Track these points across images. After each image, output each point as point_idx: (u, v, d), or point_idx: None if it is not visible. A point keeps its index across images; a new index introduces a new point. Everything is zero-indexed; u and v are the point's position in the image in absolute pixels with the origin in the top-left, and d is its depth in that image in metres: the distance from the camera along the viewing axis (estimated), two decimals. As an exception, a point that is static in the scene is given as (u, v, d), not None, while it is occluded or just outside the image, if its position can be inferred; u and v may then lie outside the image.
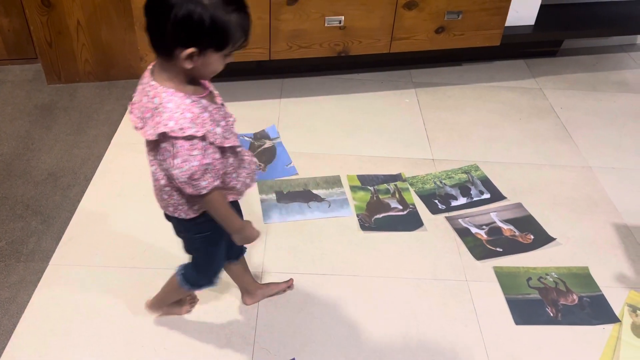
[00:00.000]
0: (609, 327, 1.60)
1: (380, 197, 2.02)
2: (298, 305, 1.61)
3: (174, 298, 1.52)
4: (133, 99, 1.12)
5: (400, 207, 1.98)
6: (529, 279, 1.73)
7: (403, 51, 2.48)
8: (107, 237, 1.78)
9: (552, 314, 1.62)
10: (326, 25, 2.30)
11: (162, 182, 1.16)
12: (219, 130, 1.06)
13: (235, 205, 1.29)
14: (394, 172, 2.14)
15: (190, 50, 0.97)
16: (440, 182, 2.10)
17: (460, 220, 1.93)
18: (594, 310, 1.64)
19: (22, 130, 2.25)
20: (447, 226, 1.91)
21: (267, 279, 1.67)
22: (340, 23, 2.31)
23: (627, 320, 1.62)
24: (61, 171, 2.05)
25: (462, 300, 1.65)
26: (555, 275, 1.74)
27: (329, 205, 1.97)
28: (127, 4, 2.32)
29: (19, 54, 2.63)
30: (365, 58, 2.71)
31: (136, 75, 2.61)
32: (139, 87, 1.09)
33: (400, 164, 2.19)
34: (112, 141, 2.20)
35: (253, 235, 1.26)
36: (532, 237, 1.88)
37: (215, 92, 1.14)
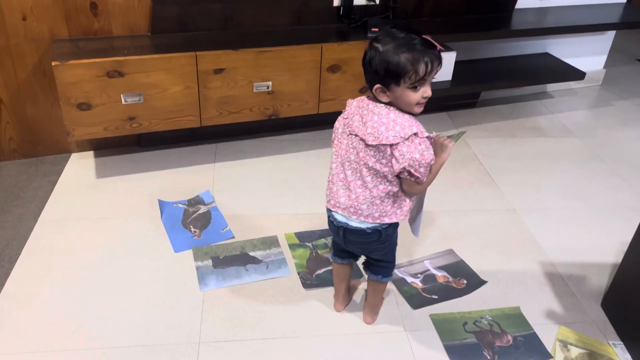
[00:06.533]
0: (543, 364, 1.65)
1: (319, 252, 2.04)
2: (238, 373, 1.57)
3: (381, 299, 1.79)
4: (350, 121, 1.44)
5: (338, 263, 2.00)
6: (465, 323, 1.77)
7: (331, 111, 2.58)
8: (34, 320, 1.70)
9: (489, 357, 1.66)
10: (254, 90, 2.37)
11: (381, 191, 1.41)
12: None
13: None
14: (330, 229, 2.18)
15: (376, 86, 1.33)
16: (375, 235, 2.15)
17: (396, 270, 1.97)
18: (528, 348, 1.70)
19: (-60, 214, 2.15)
20: (384, 278, 1.94)
21: (204, 350, 1.63)
22: (268, 88, 2.39)
23: (559, 355, 1.68)
24: (-17, 254, 1.96)
25: (401, 350, 1.66)
26: (490, 318, 1.80)
27: (267, 267, 1.97)
28: (51, 81, 2.32)
29: (-62, 135, 2.55)
30: (296, 119, 2.80)
31: (64, 150, 2.57)
32: (355, 111, 1.43)
33: (335, 220, 2.23)
34: (39, 219, 2.13)
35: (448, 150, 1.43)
36: (465, 281, 1.94)
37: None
